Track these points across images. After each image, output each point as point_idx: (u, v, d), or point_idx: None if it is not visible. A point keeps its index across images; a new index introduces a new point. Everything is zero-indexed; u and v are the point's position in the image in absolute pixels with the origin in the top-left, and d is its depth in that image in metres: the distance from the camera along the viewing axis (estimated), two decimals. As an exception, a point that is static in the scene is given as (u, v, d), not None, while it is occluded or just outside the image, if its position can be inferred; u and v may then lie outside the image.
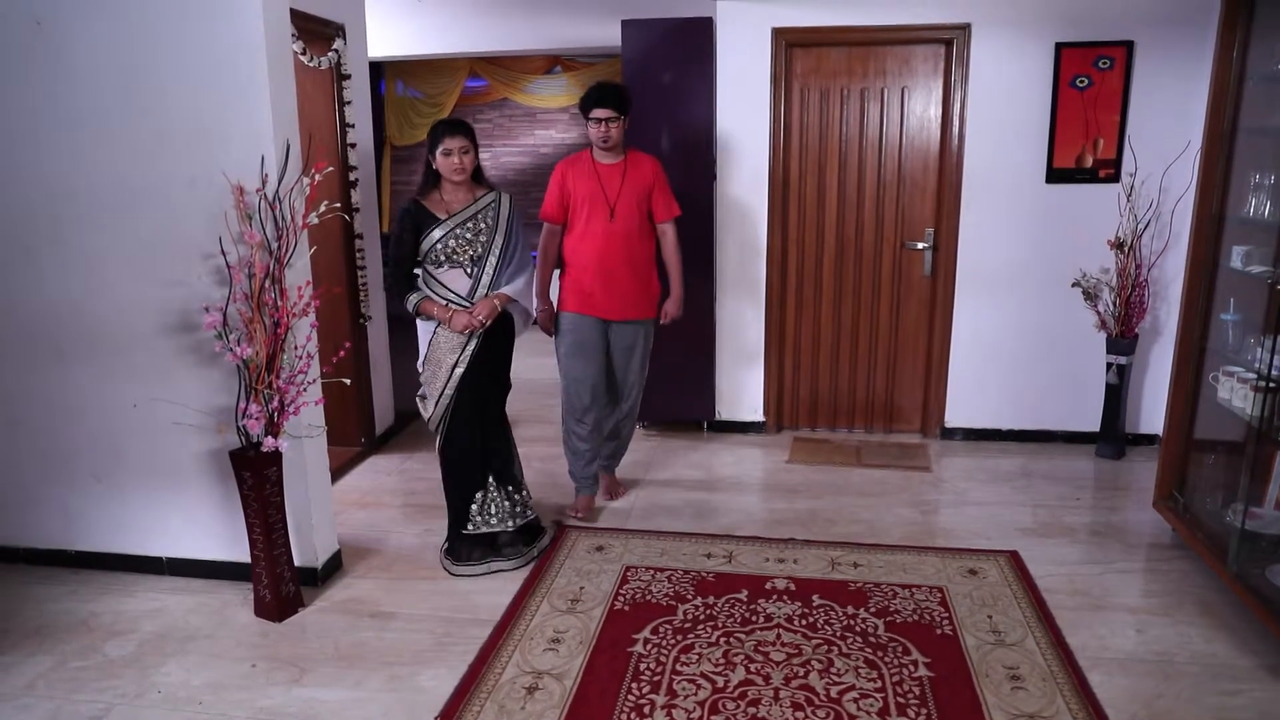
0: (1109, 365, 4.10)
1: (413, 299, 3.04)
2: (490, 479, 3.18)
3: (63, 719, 2.33)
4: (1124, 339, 4.04)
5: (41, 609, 2.89)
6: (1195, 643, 2.66)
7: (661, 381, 4.16)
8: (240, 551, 2.91)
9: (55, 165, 2.83)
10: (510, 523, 3.18)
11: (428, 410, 3.13)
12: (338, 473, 4.07)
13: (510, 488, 3.21)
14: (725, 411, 4.62)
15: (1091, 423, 4.25)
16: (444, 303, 3.02)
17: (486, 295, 3.04)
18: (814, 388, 4.60)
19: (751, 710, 2.33)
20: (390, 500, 3.82)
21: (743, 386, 4.58)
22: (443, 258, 3.00)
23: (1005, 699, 2.39)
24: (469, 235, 3.01)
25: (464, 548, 3.15)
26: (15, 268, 2.93)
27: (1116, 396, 4.11)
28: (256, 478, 2.71)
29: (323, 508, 3.06)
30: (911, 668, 2.53)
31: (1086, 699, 2.37)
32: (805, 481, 3.99)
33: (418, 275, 3.08)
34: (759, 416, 4.60)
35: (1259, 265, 2.90)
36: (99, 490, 3.07)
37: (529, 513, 3.26)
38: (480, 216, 3.04)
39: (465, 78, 7.92)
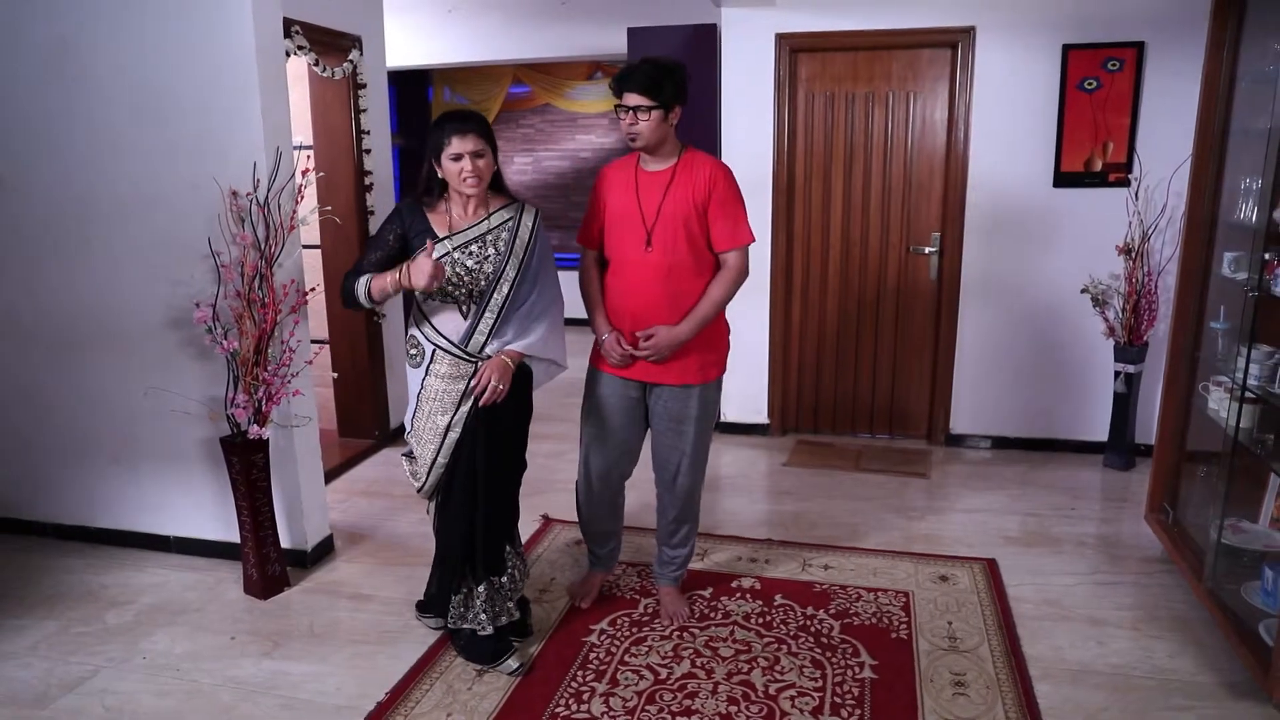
0: (1117, 374, 3.99)
1: (361, 286, 2.37)
2: (474, 578, 2.52)
3: (55, 678, 2.55)
4: (1133, 347, 3.93)
5: (58, 580, 3.14)
6: (1158, 657, 2.60)
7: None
8: (237, 533, 3.11)
9: (78, 172, 3.08)
10: (489, 627, 2.53)
11: (418, 476, 2.53)
12: (350, 463, 4.28)
13: (497, 582, 2.53)
14: (730, 413, 4.66)
15: (1100, 432, 4.15)
16: (431, 347, 2.41)
17: (484, 346, 2.39)
18: (819, 392, 4.60)
19: (687, 703, 2.39)
20: (394, 490, 3.98)
21: (748, 389, 4.61)
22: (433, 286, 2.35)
23: (944, 704, 2.39)
24: (470, 263, 2.35)
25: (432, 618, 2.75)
26: (44, 267, 3.20)
27: (1125, 406, 4.00)
28: (244, 463, 2.90)
29: (314, 494, 3.24)
30: (857, 669, 2.55)
31: (1027, 708, 2.36)
32: (798, 484, 4.00)
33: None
34: (763, 419, 4.63)
35: (1245, 272, 2.81)
36: (116, 472, 3.32)
37: (513, 610, 2.58)
38: (490, 239, 2.38)
39: (509, 84, 8.14)
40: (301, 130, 4.26)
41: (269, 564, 2.99)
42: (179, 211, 2.99)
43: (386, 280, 2.36)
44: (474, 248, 2.38)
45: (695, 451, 2.70)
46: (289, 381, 2.91)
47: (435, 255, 2.33)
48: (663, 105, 2.44)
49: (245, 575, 3.02)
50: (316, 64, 3.75)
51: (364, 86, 4.16)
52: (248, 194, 2.85)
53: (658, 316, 2.54)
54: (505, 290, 2.39)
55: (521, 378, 2.47)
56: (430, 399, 2.44)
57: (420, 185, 2.45)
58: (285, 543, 3.13)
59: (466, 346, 2.40)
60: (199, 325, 2.83)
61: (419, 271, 2.28)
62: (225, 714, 2.38)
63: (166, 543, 3.33)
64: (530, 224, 2.45)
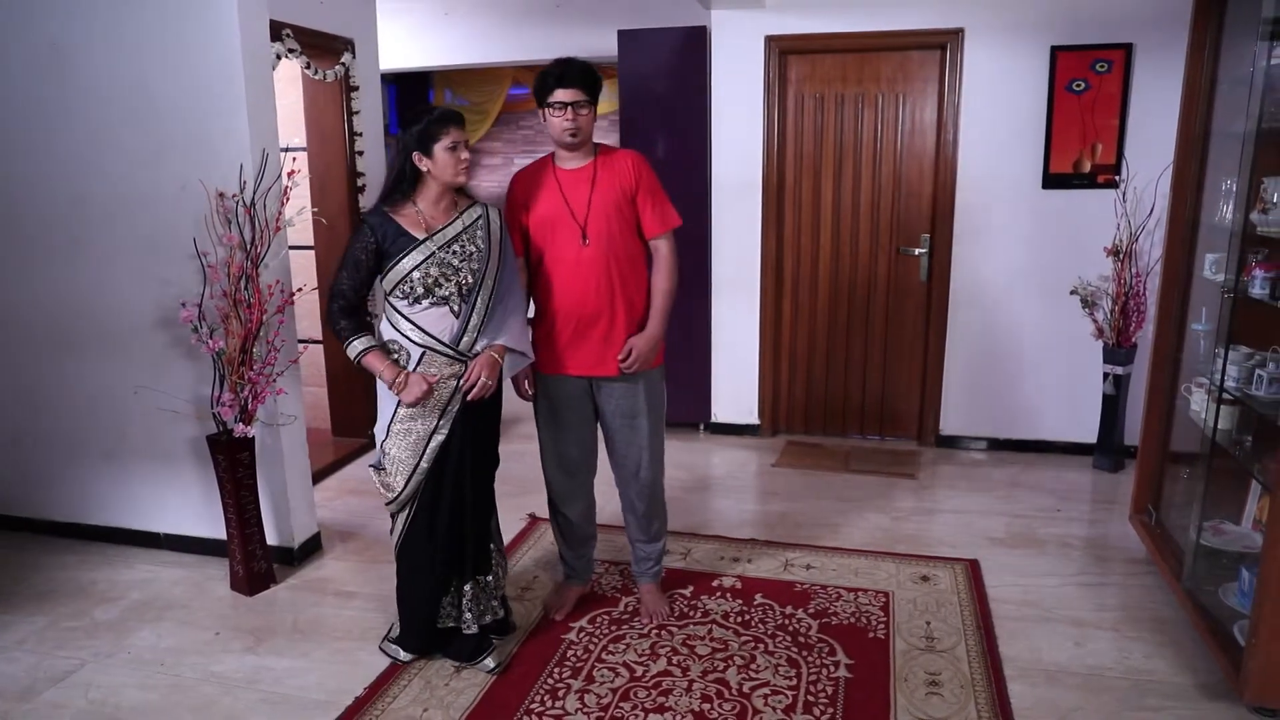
0: (1106, 375, 3.99)
1: (357, 345, 2.36)
2: (461, 578, 2.54)
3: (41, 671, 2.59)
4: (1121, 349, 3.93)
5: (50, 575, 3.19)
6: (1134, 658, 2.60)
7: (655, 382, 4.24)
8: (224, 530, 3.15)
9: (69, 173, 3.13)
10: (473, 626, 2.55)
11: (392, 487, 2.45)
12: (343, 462, 4.32)
13: (484, 580, 2.57)
14: (721, 414, 4.68)
15: (1089, 434, 4.15)
16: (419, 350, 2.36)
17: (474, 343, 2.40)
18: (810, 392, 4.61)
19: (661, 700, 2.41)
20: (385, 489, 4.02)
21: (739, 390, 4.63)
22: (420, 290, 2.34)
23: (917, 703, 2.40)
24: (456, 262, 2.36)
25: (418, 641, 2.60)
26: (36, 267, 3.25)
27: (1114, 407, 4.00)
28: (230, 461, 2.94)
29: (300, 492, 3.28)
30: (832, 668, 2.56)
31: (1000, 708, 2.36)
32: (786, 485, 4.02)
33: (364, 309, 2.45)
34: (754, 419, 4.64)
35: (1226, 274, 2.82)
36: (108, 470, 3.36)
37: (497, 609, 2.63)
38: (468, 236, 2.40)
39: (509, 85, 8.18)
40: (296, 132, 4.31)
41: (255, 561, 3.03)
42: (167, 212, 3.03)
43: (379, 367, 2.36)
44: (456, 246, 2.38)
45: (653, 443, 2.72)
46: (274, 380, 2.95)
47: (420, 258, 2.33)
48: (595, 101, 2.51)
49: (231, 572, 3.06)
50: (308, 67, 3.79)
51: (357, 89, 4.20)
52: (234, 195, 2.89)
53: (602, 311, 2.56)
54: (491, 285, 2.41)
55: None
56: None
57: (389, 185, 2.41)
58: (272, 540, 3.17)
59: (459, 346, 2.39)
60: (185, 325, 2.87)
61: (410, 392, 2.34)
62: (206, 708, 2.42)
63: (157, 539, 3.38)
64: (498, 220, 2.49)
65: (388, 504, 2.50)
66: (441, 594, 2.54)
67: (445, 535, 2.49)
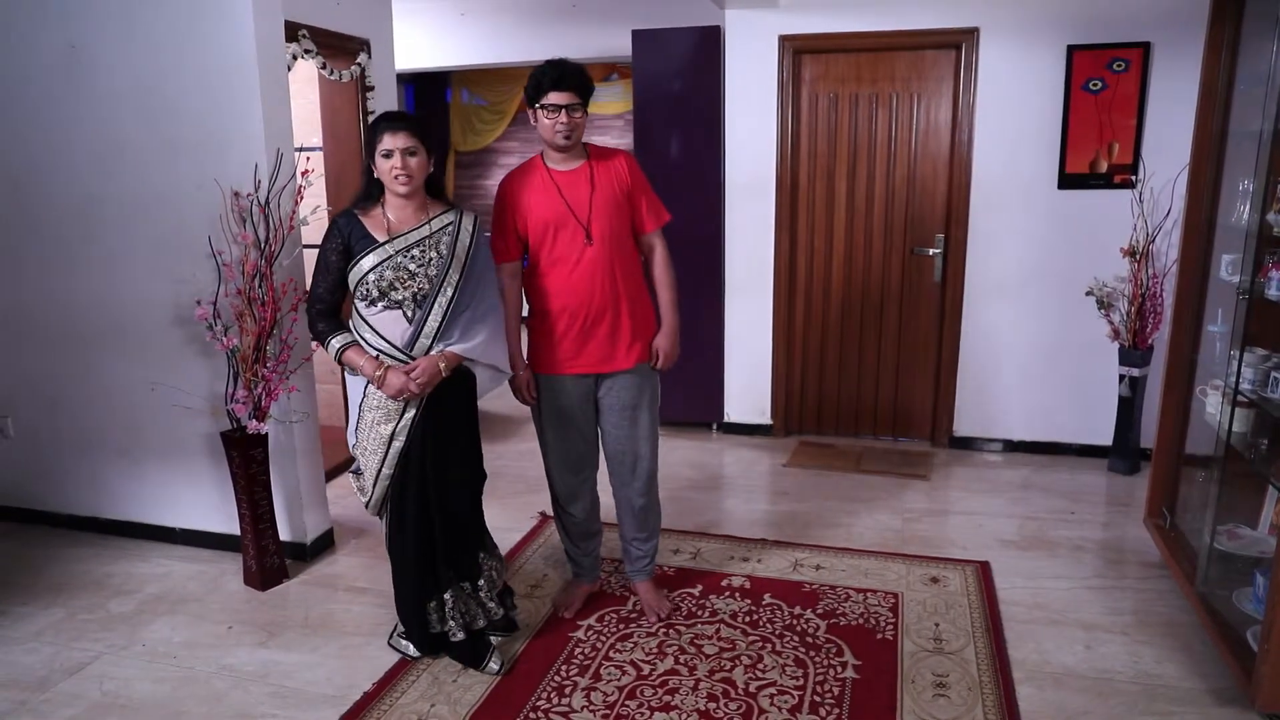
0: (1122, 377, 3.96)
1: (335, 343, 2.38)
2: (439, 587, 2.50)
3: (58, 663, 2.63)
4: (1137, 350, 3.89)
5: (67, 568, 3.24)
6: (1144, 662, 2.58)
7: (672, 382, 4.22)
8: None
9: (86, 173, 3.18)
10: (459, 634, 2.51)
11: (365, 491, 2.49)
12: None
13: (468, 587, 2.53)
14: (734, 414, 4.68)
15: (1105, 436, 4.11)
16: (374, 354, 2.36)
17: (429, 349, 2.37)
18: (822, 393, 4.60)
19: (667, 699, 2.42)
20: (398, 486, 4.04)
21: (751, 389, 4.63)
22: (376, 293, 2.34)
23: (923, 705, 2.39)
24: (412, 266, 2.34)
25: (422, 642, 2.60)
26: (54, 265, 3.30)
27: (1129, 409, 3.96)
28: (243, 457, 2.97)
29: (313, 488, 3.31)
30: (839, 669, 2.56)
31: (1007, 710, 2.35)
32: (796, 485, 4.01)
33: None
34: (767, 420, 4.64)
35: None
36: (124, 465, 3.41)
37: (493, 610, 2.57)
38: (431, 242, 2.38)
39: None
40: (314, 132, 4.35)
41: (268, 556, 3.06)
42: (183, 212, 3.07)
43: (359, 361, 2.36)
44: (415, 251, 2.36)
45: (652, 434, 2.76)
46: (287, 378, 2.98)
47: (376, 260, 2.33)
48: (587, 103, 2.52)
49: (245, 567, 3.10)
50: (324, 67, 3.82)
51: (372, 89, 4.22)
52: (249, 194, 2.92)
53: (607, 307, 2.58)
54: (450, 293, 2.37)
55: (466, 384, 2.45)
56: (373, 407, 2.39)
57: (362, 189, 2.45)
58: (285, 535, 3.20)
59: (411, 351, 2.36)
60: (200, 322, 2.90)
61: (390, 386, 2.33)
62: (217, 701, 2.45)
63: (173, 534, 3.42)
64: (470, 228, 2.45)
65: (365, 507, 2.54)
66: (424, 599, 2.51)
67: (415, 544, 2.47)
